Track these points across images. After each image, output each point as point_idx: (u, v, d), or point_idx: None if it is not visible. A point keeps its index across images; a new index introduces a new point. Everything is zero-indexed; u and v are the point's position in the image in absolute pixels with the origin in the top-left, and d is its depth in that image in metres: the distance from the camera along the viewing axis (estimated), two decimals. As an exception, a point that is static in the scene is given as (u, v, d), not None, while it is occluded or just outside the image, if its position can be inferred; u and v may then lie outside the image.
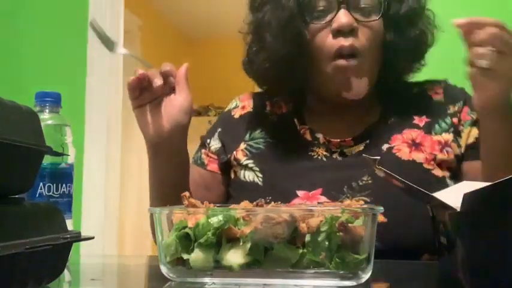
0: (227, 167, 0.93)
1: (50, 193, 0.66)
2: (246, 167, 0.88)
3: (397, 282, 0.62)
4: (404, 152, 0.82)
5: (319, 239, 0.50)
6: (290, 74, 0.86)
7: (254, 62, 0.89)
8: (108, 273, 0.74)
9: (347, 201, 0.69)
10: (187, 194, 0.57)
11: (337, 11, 0.80)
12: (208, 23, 4.13)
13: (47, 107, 0.69)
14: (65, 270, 0.53)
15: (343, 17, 0.80)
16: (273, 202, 0.64)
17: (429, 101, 0.89)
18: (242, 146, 0.91)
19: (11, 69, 2.32)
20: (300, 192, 0.80)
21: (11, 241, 0.41)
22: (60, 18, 2.32)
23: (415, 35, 0.84)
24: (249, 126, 0.93)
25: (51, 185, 0.66)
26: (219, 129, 0.97)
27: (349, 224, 0.51)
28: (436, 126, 0.86)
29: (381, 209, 0.52)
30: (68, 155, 0.69)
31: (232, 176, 0.91)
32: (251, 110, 0.96)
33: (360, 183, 0.79)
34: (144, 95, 0.80)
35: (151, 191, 0.88)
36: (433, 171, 0.81)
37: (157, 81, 0.78)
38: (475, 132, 0.85)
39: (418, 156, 0.82)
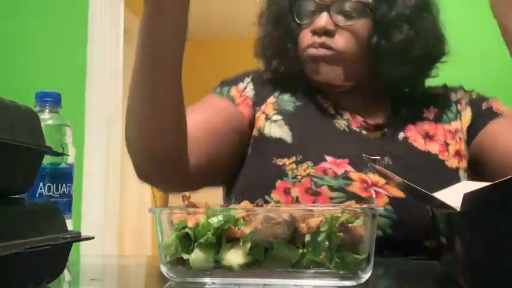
0: (253, 125, 0.92)
1: (50, 193, 0.66)
2: (274, 122, 0.89)
3: (397, 282, 0.62)
4: (420, 143, 0.86)
5: (319, 239, 0.50)
6: (284, 64, 0.93)
7: (258, 50, 0.96)
8: (108, 273, 0.74)
9: (370, 175, 0.75)
10: (187, 194, 0.57)
11: (321, 13, 0.87)
12: (209, 23, 4.13)
13: (47, 107, 0.69)
14: (65, 270, 0.53)
15: (321, 20, 0.86)
16: (303, 163, 0.71)
17: (433, 95, 0.94)
18: (272, 99, 0.94)
19: (11, 69, 2.32)
20: (328, 157, 0.82)
21: (11, 241, 0.41)
22: (60, 18, 2.32)
23: (399, 40, 0.87)
24: (279, 87, 0.96)
25: (51, 185, 0.66)
26: (251, 76, 0.98)
27: (349, 224, 0.51)
28: (444, 116, 0.90)
29: (381, 208, 0.52)
30: (68, 155, 0.69)
31: (256, 133, 0.90)
32: (281, 77, 0.97)
33: (383, 163, 0.83)
34: None
35: (138, 71, 0.74)
36: (447, 163, 0.84)
37: None
38: (469, 112, 0.91)
39: (433, 147, 0.85)
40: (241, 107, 0.93)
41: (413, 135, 0.87)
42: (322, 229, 0.50)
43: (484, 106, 0.91)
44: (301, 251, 0.51)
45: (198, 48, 4.49)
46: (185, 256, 0.53)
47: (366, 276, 0.51)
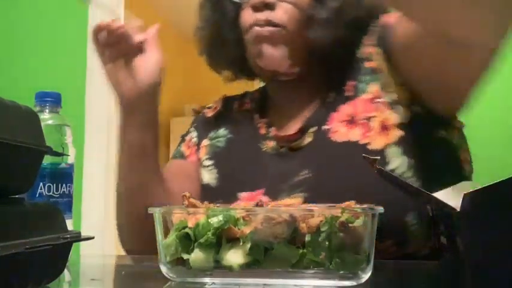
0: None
1: (50, 193, 0.66)
2: (206, 167, 0.91)
3: (397, 282, 0.62)
4: (340, 134, 0.79)
5: (319, 239, 0.50)
6: (226, 52, 0.90)
7: (198, 43, 0.93)
8: (108, 273, 0.74)
9: (286, 200, 0.73)
10: (187, 194, 0.57)
11: None
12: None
13: (47, 107, 0.70)
14: (65, 270, 0.53)
15: None
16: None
17: (349, 69, 0.85)
18: (206, 142, 0.94)
19: (11, 69, 2.32)
20: (244, 194, 0.81)
21: (11, 241, 0.41)
22: (60, 18, 2.32)
23: (336, 5, 0.81)
24: (216, 124, 0.96)
25: (51, 185, 0.66)
26: (194, 125, 1.01)
27: (349, 224, 0.51)
28: (360, 85, 0.81)
29: (381, 209, 0.52)
30: (68, 155, 0.69)
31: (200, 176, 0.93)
32: (220, 109, 0.99)
33: (298, 179, 0.77)
34: (113, 50, 0.81)
35: (121, 159, 0.88)
36: (370, 146, 0.75)
37: (134, 38, 0.80)
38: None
39: (354, 133, 0.77)
40: (190, 158, 0.96)
41: (334, 126, 0.80)
42: (322, 229, 0.50)
43: (382, 33, 0.83)
44: (301, 251, 0.51)
45: (193, 48, 4.48)
46: (185, 256, 0.53)
47: (366, 276, 0.51)
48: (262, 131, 0.88)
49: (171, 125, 4.01)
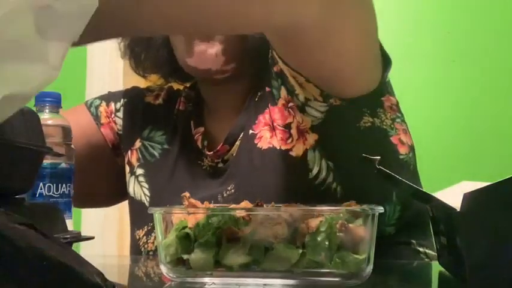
0: (121, 158, 0.86)
1: (50, 193, 0.66)
2: (136, 178, 0.83)
3: (397, 282, 0.62)
4: (265, 139, 0.73)
5: (319, 239, 0.50)
6: (153, 53, 0.82)
7: (121, 45, 0.85)
8: (108, 273, 0.74)
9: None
10: (187, 194, 0.57)
11: None
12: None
13: (47, 107, 0.69)
14: (65, 270, 0.52)
15: None
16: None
17: (269, 68, 0.76)
18: (138, 143, 0.84)
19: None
20: None
21: (11, 241, 0.41)
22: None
23: None
24: (152, 121, 0.85)
25: (51, 185, 0.66)
26: (125, 100, 0.88)
27: (349, 224, 0.51)
28: (274, 91, 0.74)
29: (381, 208, 0.52)
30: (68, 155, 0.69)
31: (127, 184, 0.84)
32: (162, 102, 0.88)
33: (226, 194, 0.73)
34: None
35: None
36: (292, 152, 0.70)
37: None
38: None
39: (276, 139, 0.72)
40: (104, 128, 0.86)
41: (260, 130, 0.74)
42: (322, 229, 0.50)
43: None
44: (301, 251, 0.51)
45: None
46: (185, 256, 0.53)
47: (366, 276, 0.51)
48: (199, 144, 0.81)
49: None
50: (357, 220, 0.51)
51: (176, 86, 0.91)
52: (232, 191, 0.73)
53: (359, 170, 0.68)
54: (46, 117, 0.68)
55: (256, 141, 0.73)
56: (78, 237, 0.52)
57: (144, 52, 0.82)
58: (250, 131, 0.74)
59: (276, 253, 0.51)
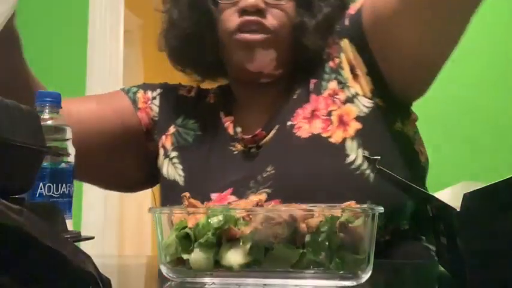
0: (155, 148, 0.91)
1: (50, 193, 0.66)
2: (171, 160, 0.87)
3: (397, 282, 0.62)
4: (304, 129, 0.79)
5: (319, 239, 0.50)
6: (198, 53, 0.86)
7: (165, 40, 0.89)
8: (108, 273, 0.74)
9: (252, 197, 0.75)
10: (187, 194, 0.57)
11: None
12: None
13: (47, 107, 0.69)
14: (65, 270, 0.52)
15: None
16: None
17: (313, 66, 0.85)
18: (172, 129, 0.90)
19: (11, 69, 2.32)
20: (213, 195, 0.79)
21: (11, 241, 0.41)
22: (60, 18, 2.32)
23: (327, 12, 0.82)
24: (185, 110, 0.91)
25: (51, 185, 0.66)
26: (161, 91, 0.94)
27: (349, 224, 0.51)
28: (323, 83, 0.82)
29: (381, 208, 0.52)
30: (68, 155, 0.68)
31: (159, 167, 0.89)
32: (194, 95, 0.95)
33: (264, 175, 0.77)
34: None
35: None
36: (332, 139, 0.77)
37: None
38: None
39: (316, 127, 0.78)
40: (141, 113, 0.91)
41: (298, 122, 0.80)
42: (322, 229, 0.50)
43: (347, 21, 0.83)
44: (301, 251, 0.51)
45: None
46: (185, 256, 0.53)
47: (366, 276, 0.51)
48: (230, 131, 0.86)
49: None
50: (357, 220, 0.51)
51: (204, 86, 0.97)
52: (273, 172, 0.77)
53: (390, 164, 0.73)
54: (46, 117, 0.68)
55: (295, 131, 0.79)
56: (78, 237, 0.52)
57: (190, 50, 0.87)
58: (289, 123, 0.80)
59: (276, 253, 0.51)
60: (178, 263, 0.54)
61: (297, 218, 0.51)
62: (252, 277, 0.52)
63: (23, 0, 2.56)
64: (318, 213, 0.52)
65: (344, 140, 0.76)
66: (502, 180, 0.43)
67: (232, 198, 0.77)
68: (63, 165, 0.68)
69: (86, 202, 2.17)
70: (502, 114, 1.83)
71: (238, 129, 0.85)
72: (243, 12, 0.79)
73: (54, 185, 0.66)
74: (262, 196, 0.74)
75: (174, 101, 0.93)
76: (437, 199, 0.54)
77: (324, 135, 0.77)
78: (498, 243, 0.45)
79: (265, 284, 0.51)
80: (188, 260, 0.53)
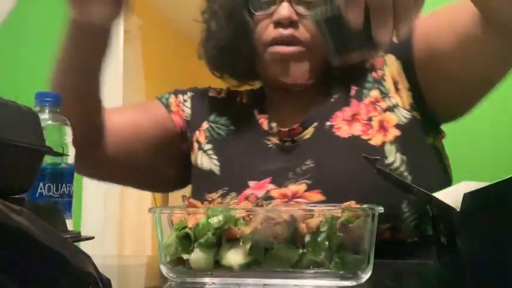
0: (188, 146, 0.95)
1: (50, 193, 0.66)
2: (205, 152, 0.90)
3: (397, 282, 0.62)
4: (343, 130, 0.82)
5: (319, 239, 0.50)
6: (235, 62, 0.91)
7: (204, 49, 0.94)
8: (108, 273, 0.74)
9: (291, 186, 0.78)
10: (187, 194, 0.57)
11: (280, 3, 0.83)
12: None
13: (47, 107, 0.69)
14: (65, 270, 0.52)
15: (283, 10, 0.82)
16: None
17: (354, 73, 0.89)
18: (205, 125, 0.94)
19: (11, 69, 2.32)
20: (251, 183, 0.82)
21: (11, 241, 0.41)
22: (60, 18, 2.32)
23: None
24: (217, 109, 0.96)
25: (51, 185, 0.66)
26: (192, 94, 1.00)
27: (349, 224, 0.51)
28: (364, 91, 0.86)
29: (381, 208, 0.52)
30: (68, 155, 0.69)
31: (192, 162, 0.93)
32: (224, 96, 0.99)
33: (303, 168, 0.80)
34: None
35: (59, 69, 0.88)
36: (371, 141, 0.80)
37: None
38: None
39: (356, 129, 0.82)
40: (174, 115, 0.96)
41: (338, 123, 0.84)
42: (322, 229, 0.50)
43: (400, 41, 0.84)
44: (301, 251, 0.51)
45: (193, 48, 4.49)
46: (185, 256, 0.53)
47: (365, 276, 0.51)
48: (265, 126, 0.89)
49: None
50: (357, 220, 0.51)
51: (233, 87, 1.02)
52: (312, 165, 0.80)
53: (428, 172, 0.82)
54: (46, 117, 0.68)
55: (334, 130, 0.83)
56: (78, 237, 0.52)
57: (227, 60, 0.91)
58: (328, 123, 0.84)
59: (276, 253, 0.51)
60: (178, 263, 0.54)
61: (297, 218, 0.51)
62: (252, 277, 0.52)
63: (23, 0, 2.54)
64: (318, 213, 0.52)
65: (383, 143, 0.80)
66: (502, 180, 0.43)
67: (272, 186, 0.80)
68: (63, 165, 0.68)
69: (86, 202, 2.17)
70: (503, 114, 1.83)
71: (273, 124, 0.89)
72: (278, 24, 0.83)
73: (54, 185, 0.66)
74: (302, 187, 0.78)
75: (204, 101, 0.98)
76: (437, 199, 0.54)
77: (364, 137, 0.81)
78: (498, 243, 0.45)
79: (265, 284, 0.51)
80: (188, 260, 0.53)
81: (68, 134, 0.70)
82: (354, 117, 0.83)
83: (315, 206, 0.57)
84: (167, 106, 0.97)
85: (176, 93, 1.00)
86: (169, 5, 3.98)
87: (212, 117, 0.95)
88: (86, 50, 0.86)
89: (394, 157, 0.78)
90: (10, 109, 0.47)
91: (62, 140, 0.69)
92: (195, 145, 0.93)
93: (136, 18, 3.47)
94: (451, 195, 0.53)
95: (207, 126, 0.94)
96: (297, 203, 0.75)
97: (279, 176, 0.81)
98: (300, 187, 0.78)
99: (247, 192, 0.80)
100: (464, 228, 0.47)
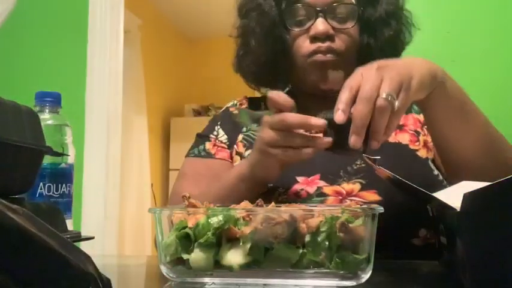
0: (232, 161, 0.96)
1: (50, 193, 0.66)
2: (246, 158, 0.90)
3: (397, 282, 0.62)
4: (390, 137, 0.84)
5: (319, 239, 0.50)
6: (273, 76, 0.95)
7: (241, 64, 0.98)
8: (108, 273, 0.74)
9: (344, 185, 0.79)
10: (187, 194, 0.57)
11: (315, 19, 0.88)
12: (208, 23, 4.13)
13: (47, 107, 0.69)
14: (65, 270, 0.52)
15: (320, 25, 0.87)
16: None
17: None
18: (240, 137, 0.96)
19: (11, 69, 2.32)
20: (299, 178, 0.82)
21: (11, 241, 0.41)
22: (60, 18, 2.32)
23: (389, 35, 0.91)
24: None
25: (51, 185, 0.66)
26: (219, 122, 1.01)
27: (349, 224, 0.51)
28: (414, 105, 0.90)
29: (381, 208, 0.52)
30: (68, 155, 0.69)
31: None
32: (247, 106, 1.02)
33: (355, 167, 0.83)
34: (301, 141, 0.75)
35: (216, 194, 0.83)
36: (418, 152, 0.86)
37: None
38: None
39: (403, 138, 0.87)
40: (218, 155, 0.97)
41: None
42: (322, 229, 0.50)
43: None
44: (301, 251, 0.51)
45: (193, 48, 4.50)
46: (185, 256, 0.53)
47: (366, 276, 0.51)
48: None
49: (171, 124, 4.00)
50: (357, 220, 0.51)
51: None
52: (363, 165, 0.83)
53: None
54: (46, 117, 0.68)
55: None
56: (78, 237, 0.52)
57: (266, 73, 0.96)
58: None
59: (276, 253, 0.51)
60: (178, 263, 0.54)
61: (297, 218, 0.51)
62: (252, 277, 0.52)
63: (23, 0, 2.55)
64: (318, 213, 0.52)
65: (427, 158, 0.86)
66: (502, 180, 0.43)
67: (322, 183, 0.81)
68: (63, 165, 0.68)
69: (86, 202, 2.17)
70: (503, 114, 1.83)
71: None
72: (314, 38, 0.88)
73: (54, 185, 0.66)
74: (356, 186, 0.80)
75: (231, 120, 1.01)
76: (437, 199, 0.54)
77: (412, 147, 0.86)
78: (498, 243, 0.45)
79: (265, 284, 0.51)
80: (188, 260, 0.53)
81: (68, 134, 0.70)
82: (400, 127, 0.88)
83: (315, 206, 0.57)
84: (210, 155, 0.96)
85: (205, 137, 0.99)
86: (169, 5, 3.99)
87: (244, 129, 0.97)
88: (248, 192, 0.80)
89: (438, 171, 0.84)
90: (10, 109, 0.47)
91: (62, 140, 0.69)
92: (237, 158, 0.94)
93: (136, 18, 3.47)
94: (451, 195, 0.53)
95: (242, 137, 0.96)
96: (353, 201, 0.76)
97: (330, 174, 0.82)
98: (354, 186, 0.80)
99: (297, 187, 0.81)
100: (464, 228, 0.47)
